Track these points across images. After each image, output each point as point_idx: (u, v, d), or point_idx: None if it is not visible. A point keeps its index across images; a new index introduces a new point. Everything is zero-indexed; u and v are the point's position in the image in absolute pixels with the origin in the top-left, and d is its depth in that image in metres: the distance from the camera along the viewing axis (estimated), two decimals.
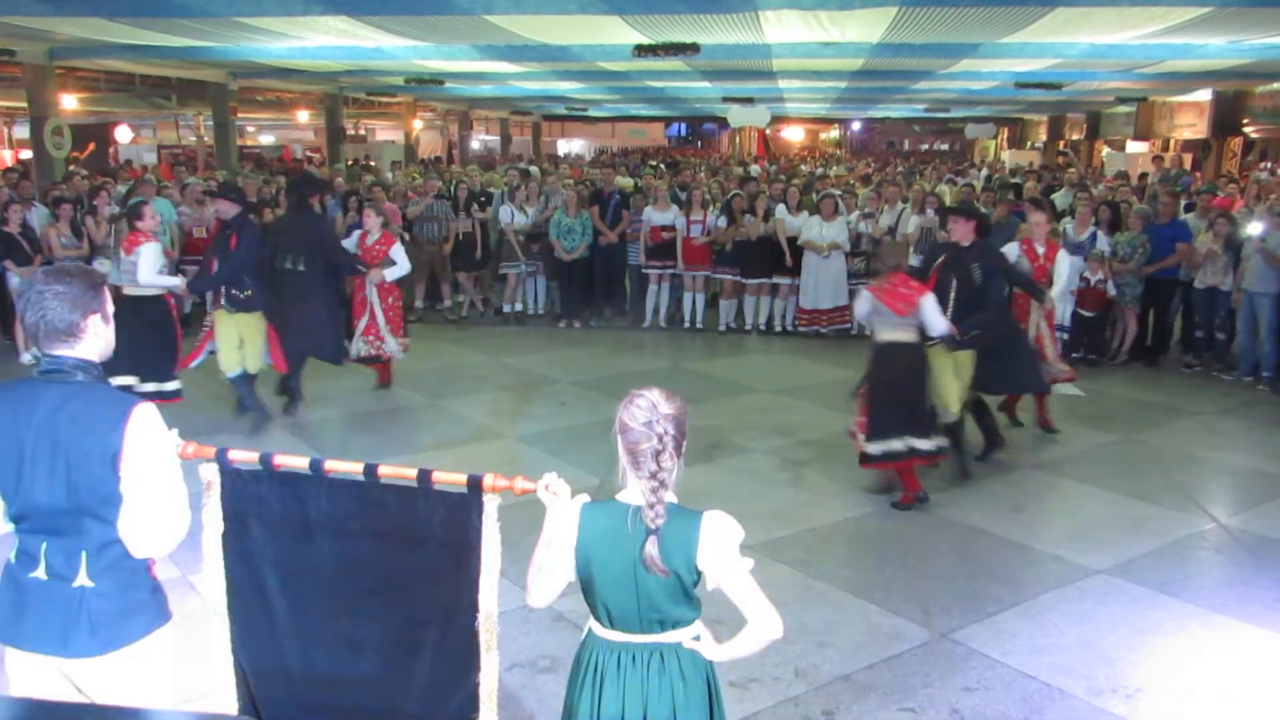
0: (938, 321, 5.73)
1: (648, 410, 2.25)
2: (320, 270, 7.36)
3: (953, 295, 5.99)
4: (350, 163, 19.47)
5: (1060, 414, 7.46)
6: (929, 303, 5.70)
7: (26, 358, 8.90)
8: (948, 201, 11.15)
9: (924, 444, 5.74)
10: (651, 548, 2.22)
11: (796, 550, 5.26)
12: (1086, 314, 9.16)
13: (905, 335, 5.74)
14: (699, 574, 2.28)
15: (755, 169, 19.17)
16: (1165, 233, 9.31)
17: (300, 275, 7.25)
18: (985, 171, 19.65)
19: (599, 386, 8.38)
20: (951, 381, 6.08)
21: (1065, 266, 7.34)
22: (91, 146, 21.27)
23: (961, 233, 6.16)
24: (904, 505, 5.85)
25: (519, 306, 11.26)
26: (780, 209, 10.44)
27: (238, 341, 6.95)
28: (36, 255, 9.08)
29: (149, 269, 6.65)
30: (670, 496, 2.30)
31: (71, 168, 12.46)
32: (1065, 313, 8.34)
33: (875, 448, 5.77)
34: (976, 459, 6.52)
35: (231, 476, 2.65)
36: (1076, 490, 6.27)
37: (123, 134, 25.17)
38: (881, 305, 5.72)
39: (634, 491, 2.32)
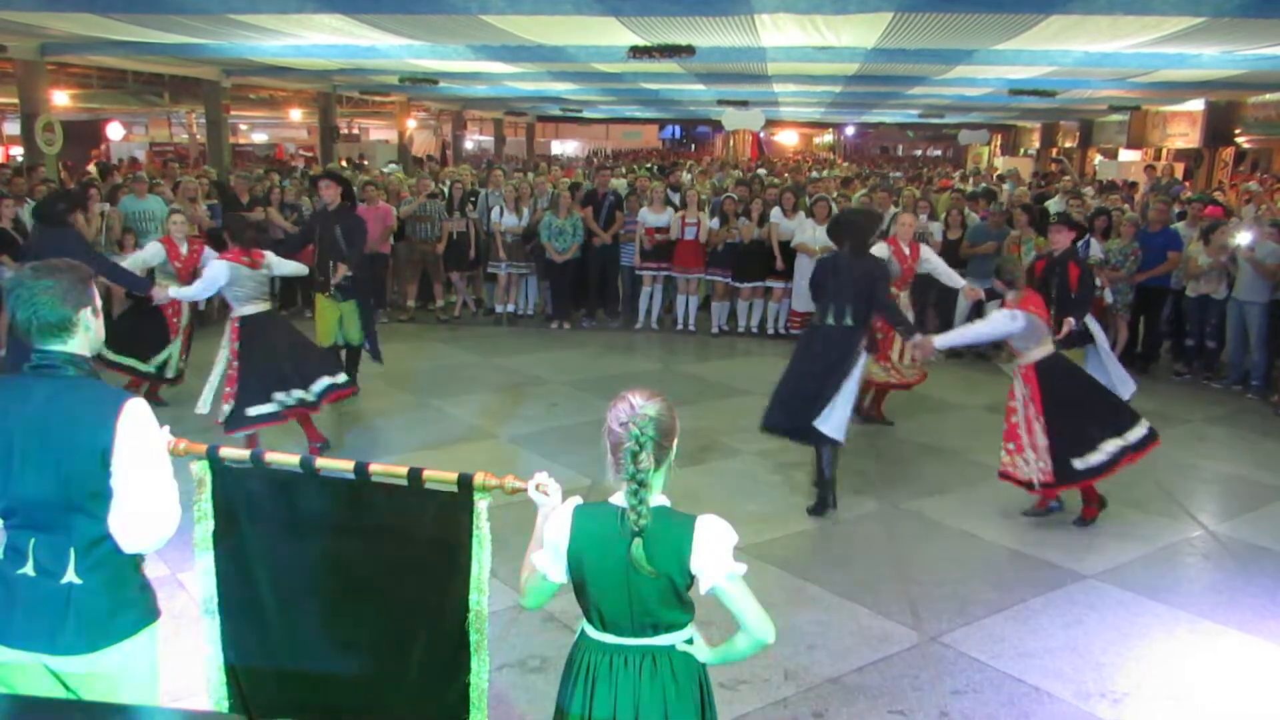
0: None
1: (627, 411, 2.24)
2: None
3: (1054, 298, 6.21)
4: (343, 161, 19.41)
5: None
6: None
7: None
8: (939, 208, 11.16)
9: (1131, 435, 5.65)
10: (637, 549, 2.21)
11: (786, 552, 5.26)
12: None
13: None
14: (691, 578, 2.27)
15: (764, 171, 19.10)
16: (1157, 240, 9.35)
17: None
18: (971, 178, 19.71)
19: (590, 388, 8.38)
20: None
21: (937, 261, 7.56)
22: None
23: (1061, 240, 6.56)
24: (1086, 520, 5.80)
25: (511, 307, 11.25)
26: (775, 213, 10.45)
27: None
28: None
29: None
30: (661, 499, 2.30)
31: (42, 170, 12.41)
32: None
33: (1080, 463, 5.53)
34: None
35: (222, 473, 2.65)
36: (1065, 495, 6.27)
37: (114, 131, 25.05)
38: (1037, 320, 5.53)
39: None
